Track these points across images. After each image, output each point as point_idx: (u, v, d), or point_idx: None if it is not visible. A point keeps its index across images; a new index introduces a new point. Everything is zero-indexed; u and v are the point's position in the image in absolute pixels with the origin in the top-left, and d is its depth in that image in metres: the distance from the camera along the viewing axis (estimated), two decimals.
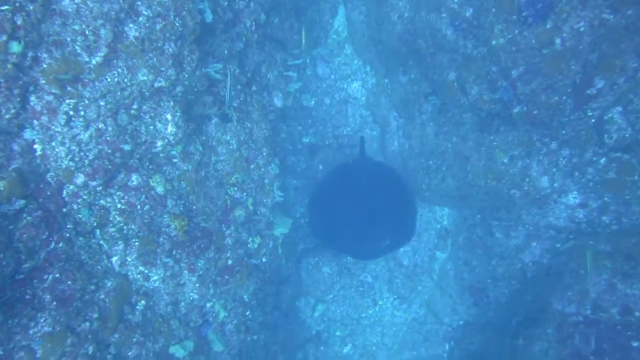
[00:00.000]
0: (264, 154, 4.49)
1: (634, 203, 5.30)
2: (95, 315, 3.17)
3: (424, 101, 6.57)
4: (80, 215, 3.23)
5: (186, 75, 3.44)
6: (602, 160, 5.41)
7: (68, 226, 3.20)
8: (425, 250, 7.45)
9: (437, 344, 7.33)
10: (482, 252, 6.70)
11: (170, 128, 3.42)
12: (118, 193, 3.38)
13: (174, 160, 3.68)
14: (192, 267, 3.79)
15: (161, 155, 3.55)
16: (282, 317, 6.26)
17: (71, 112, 3.00)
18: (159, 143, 3.43)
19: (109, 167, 3.19)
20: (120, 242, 3.39)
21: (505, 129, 5.60)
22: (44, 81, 2.86)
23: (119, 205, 3.40)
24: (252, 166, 4.44)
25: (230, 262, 4.19)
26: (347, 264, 7.49)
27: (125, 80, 3.13)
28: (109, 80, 3.07)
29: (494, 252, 6.51)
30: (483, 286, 6.82)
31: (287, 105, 5.42)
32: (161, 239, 3.59)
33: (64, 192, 3.19)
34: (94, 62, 2.99)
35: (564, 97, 5.03)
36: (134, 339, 3.49)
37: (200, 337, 4.14)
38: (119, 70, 3.11)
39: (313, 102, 7.93)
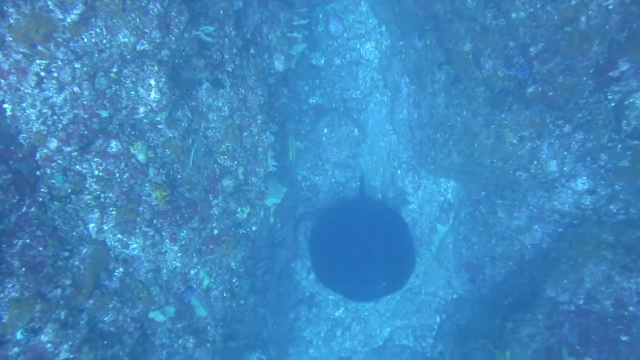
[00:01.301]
0: (259, 121, 4.29)
1: None
2: (68, 282, 3.14)
3: (437, 70, 6.26)
4: (53, 181, 3.12)
5: (173, 38, 3.22)
6: (618, 147, 5.14)
7: (42, 190, 3.10)
8: (426, 222, 7.34)
9: (429, 315, 7.36)
10: (483, 230, 6.58)
11: (154, 94, 3.24)
12: (95, 159, 3.25)
13: (159, 126, 3.52)
14: (174, 236, 3.72)
15: (144, 121, 3.39)
16: (275, 280, 6.29)
17: (42, 73, 2.83)
18: (141, 109, 3.26)
19: (85, 132, 3.05)
20: (96, 211, 3.30)
21: (518, 107, 5.31)
22: (10, 38, 2.67)
23: (96, 172, 3.27)
24: (245, 134, 4.26)
25: (216, 231, 4.11)
26: None
27: (104, 41, 2.93)
28: (85, 40, 2.87)
29: (495, 231, 6.38)
30: (480, 263, 6.74)
31: (290, 68, 5.16)
32: (141, 208, 3.50)
33: (38, 155, 3.07)
34: (68, 20, 2.78)
35: (584, 79, 4.71)
36: (110, 305, 3.48)
37: (183, 303, 4.14)
38: (97, 30, 2.90)
39: (322, 61, 7.61)
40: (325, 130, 7.35)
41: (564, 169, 5.39)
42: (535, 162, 5.34)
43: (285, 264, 6.81)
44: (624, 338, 4.74)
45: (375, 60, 7.56)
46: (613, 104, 4.96)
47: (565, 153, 5.30)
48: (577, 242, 5.33)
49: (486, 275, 6.64)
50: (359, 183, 6.74)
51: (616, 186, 5.24)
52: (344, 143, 7.36)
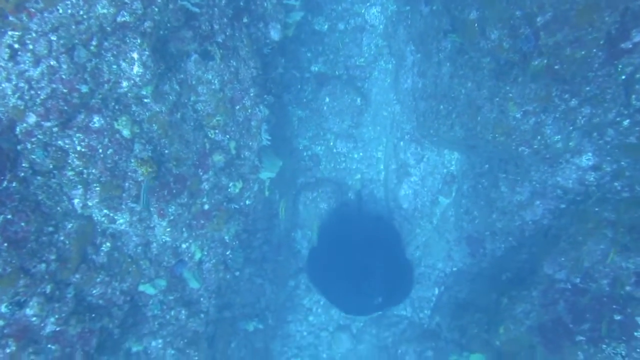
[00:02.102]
0: (252, 94, 4.17)
1: None
2: (53, 257, 3.15)
3: (443, 38, 6.02)
4: (34, 156, 3.08)
5: (156, 9, 3.08)
6: (626, 122, 4.95)
7: (23, 165, 3.06)
8: (427, 195, 7.25)
9: (427, 288, 7.37)
10: (485, 204, 6.49)
11: (137, 68, 3.13)
12: (78, 135, 3.19)
13: (145, 100, 3.42)
14: (162, 212, 3.69)
15: (129, 95, 3.30)
16: (273, 250, 6.30)
17: (16, 46, 2.73)
18: (125, 84, 3.17)
19: (65, 107, 2.98)
20: (79, 186, 3.26)
21: (524, 80, 5.10)
22: None
23: (78, 148, 3.21)
24: (237, 107, 4.15)
25: (206, 207, 4.07)
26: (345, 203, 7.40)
27: (81, 12, 2.81)
28: (60, 11, 2.76)
29: (496, 205, 6.29)
30: (481, 237, 6.69)
31: (287, 37, 4.97)
32: (127, 184, 3.45)
33: (17, 129, 3.01)
34: None
35: (594, 50, 4.48)
36: (98, 279, 3.51)
37: (174, 276, 4.16)
38: (73, 0, 2.78)
39: (326, 26, 7.38)
40: (327, 99, 7.19)
41: (570, 144, 5.24)
42: (539, 137, 5.18)
43: (284, 234, 6.81)
44: (618, 317, 4.69)
45: (381, 26, 7.31)
46: (624, 77, 4.74)
47: (571, 128, 5.13)
48: (579, 219, 5.21)
49: (486, 249, 6.59)
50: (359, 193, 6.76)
51: (622, 162, 5.09)
52: (346, 112, 7.22)
